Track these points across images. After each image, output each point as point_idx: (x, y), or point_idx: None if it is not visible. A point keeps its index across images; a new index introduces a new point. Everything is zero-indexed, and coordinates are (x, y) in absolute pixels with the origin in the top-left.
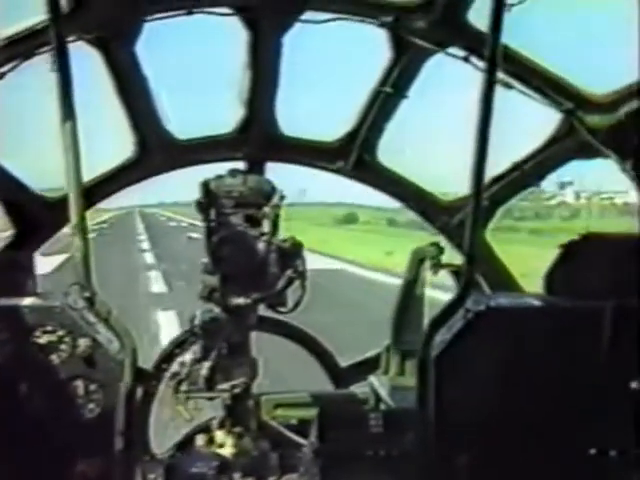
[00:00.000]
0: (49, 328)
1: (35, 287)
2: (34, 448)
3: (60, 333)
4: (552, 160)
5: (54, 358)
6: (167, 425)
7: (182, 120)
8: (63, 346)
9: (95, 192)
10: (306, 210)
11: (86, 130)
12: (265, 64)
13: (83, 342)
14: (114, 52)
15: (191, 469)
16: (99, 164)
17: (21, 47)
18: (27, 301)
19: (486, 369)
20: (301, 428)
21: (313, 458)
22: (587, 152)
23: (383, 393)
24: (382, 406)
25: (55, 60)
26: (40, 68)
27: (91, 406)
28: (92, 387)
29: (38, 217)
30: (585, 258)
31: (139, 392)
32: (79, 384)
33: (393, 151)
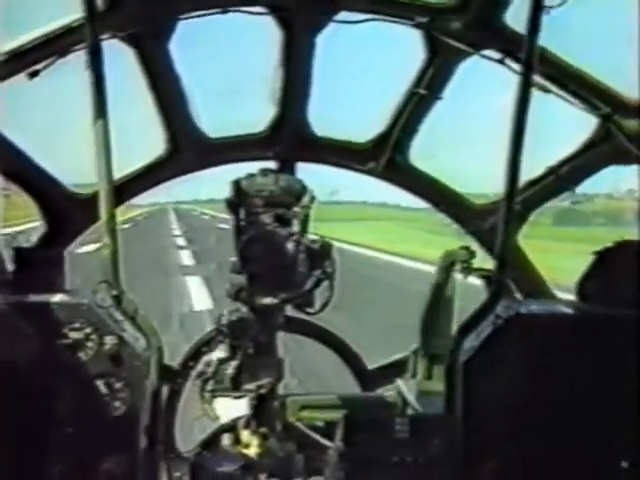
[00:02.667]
0: (77, 325)
1: (64, 284)
2: (60, 445)
3: (87, 330)
4: (588, 165)
5: (81, 355)
6: (193, 424)
7: (214, 119)
8: (90, 343)
9: (126, 189)
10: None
11: (119, 128)
12: (298, 63)
13: (109, 340)
14: (147, 49)
15: (216, 468)
16: (131, 161)
17: (56, 45)
18: (56, 298)
19: (515, 376)
20: (327, 430)
21: (338, 461)
22: (624, 158)
23: (410, 397)
24: (409, 410)
25: (89, 58)
26: (74, 66)
27: (117, 404)
28: (118, 385)
29: (69, 214)
30: (619, 265)
31: (165, 390)
32: (105, 382)
33: (426, 153)
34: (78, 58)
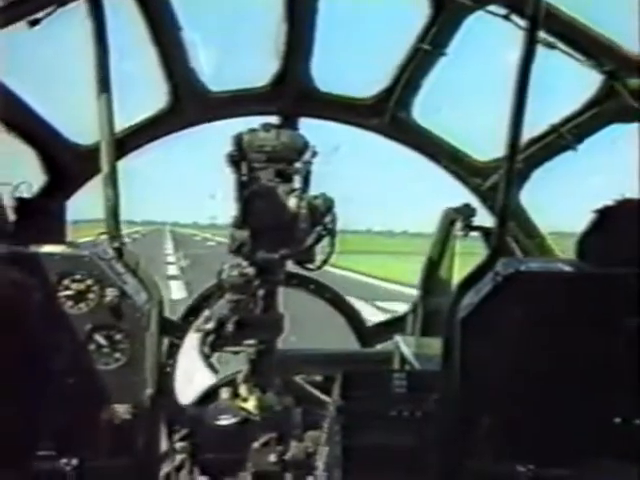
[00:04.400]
0: (78, 277)
1: (65, 235)
2: (60, 394)
3: (88, 282)
4: (591, 123)
5: (82, 306)
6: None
7: (216, 72)
8: (91, 295)
9: (128, 142)
10: None
11: (122, 79)
12: (301, 19)
13: (110, 292)
14: (149, 1)
15: (215, 421)
16: (134, 114)
17: None
18: (57, 249)
19: (513, 333)
20: (325, 385)
21: (335, 416)
22: (628, 116)
23: (408, 353)
24: (407, 366)
25: (89, 7)
26: (75, 16)
27: (117, 355)
28: (118, 336)
29: (71, 165)
30: (619, 224)
31: (165, 342)
32: (106, 333)
33: (429, 110)
34: (79, 7)
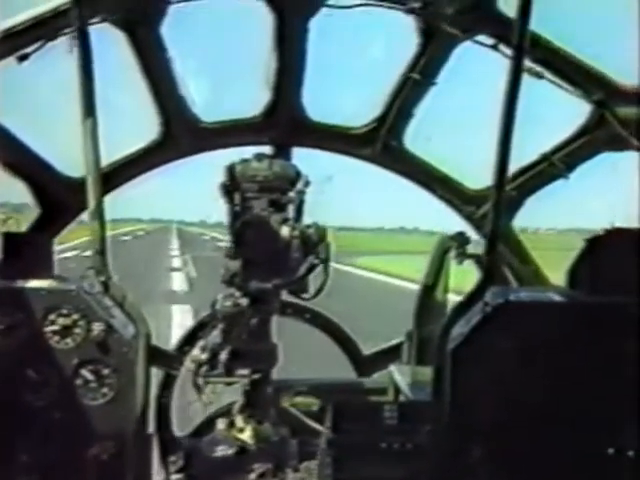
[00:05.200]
0: (64, 311)
1: (52, 270)
2: (48, 431)
3: (75, 317)
4: (582, 151)
5: (68, 341)
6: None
7: (208, 103)
8: (77, 330)
9: (119, 174)
10: None
11: (112, 112)
12: (291, 48)
13: (97, 326)
14: (139, 33)
15: (211, 453)
16: (124, 146)
17: (45, 28)
18: (43, 284)
19: (503, 363)
20: (321, 416)
21: (326, 448)
22: (618, 144)
23: (402, 383)
24: (401, 397)
25: (77, 41)
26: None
27: (104, 390)
28: (106, 371)
29: (62, 198)
30: (609, 253)
31: (161, 375)
32: (93, 368)
33: (421, 139)
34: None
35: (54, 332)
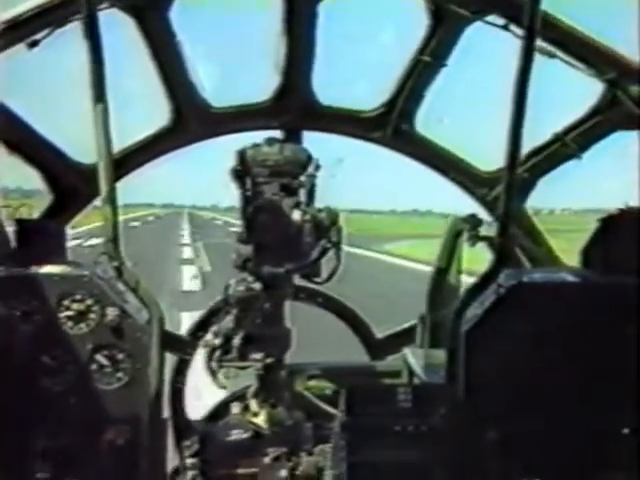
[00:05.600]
0: (78, 297)
1: (65, 256)
2: (63, 416)
3: (89, 302)
4: (595, 131)
5: (83, 327)
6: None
7: (218, 89)
8: (92, 315)
9: (130, 160)
10: None
11: (124, 98)
12: (301, 32)
13: (111, 311)
14: (148, 19)
15: (226, 437)
16: (135, 132)
17: (54, 15)
18: (57, 269)
19: (517, 345)
20: (335, 399)
21: (340, 432)
22: (631, 123)
23: (416, 366)
24: (415, 379)
25: (85, 28)
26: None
27: (119, 375)
28: (120, 356)
29: (75, 185)
30: (623, 233)
31: (174, 359)
32: (107, 353)
33: (433, 121)
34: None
35: (68, 318)
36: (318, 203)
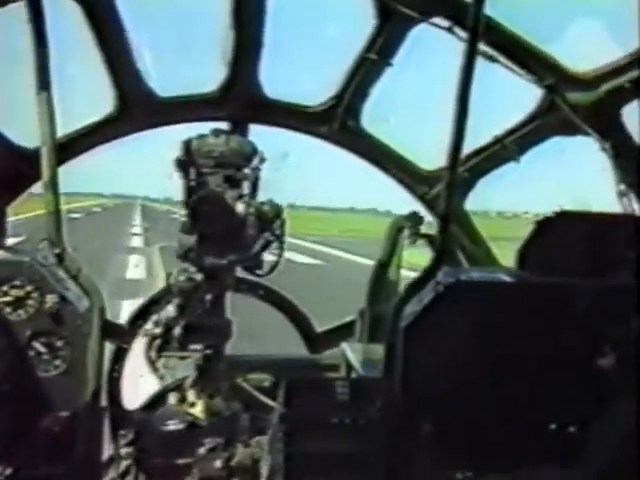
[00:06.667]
0: (17, 283)
1: (4, 241)
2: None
3: (28, 288)
4: (533, 135)
5: (21, 313)
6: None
7: (164, 78)
8: (30, 302)
9: (73, 146)
10: None
11: (68, 84)
12: (249, 24)
13: (50, 298)
14: (93, 4)
15: (162, 427)
16: (80, 118)
17: None
18: None
19: (454, 342)
20: (273, 391)
21: (278, 423)
22: (568, 129)
23: (354, 360)
24: (353, 374)
25: (30, 11)
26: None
27: (57, 362)
28: (59, 343)
29: (15, 167)
30: (558, 235)
31: (112, 348)
32: (46, 340)
33: (378, 119)
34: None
35: (6, 303)
36: (264, 196)
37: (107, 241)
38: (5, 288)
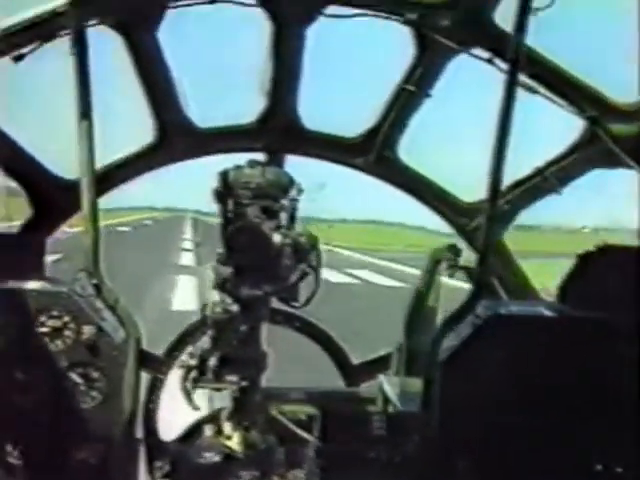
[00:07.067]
0: (55, 313)
1: (43, 271)
2: (36, 434)
3: (65, 319)
4: (574, 167)
5: (58, 344)
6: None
7: (204, 109)
8: (67, 332)
9: (112, 177)
10: None
11: (110, 115)
12: (288, 56)
13: (88, 329)
14: (136, 36)
15: (198, 459)
16: (120, 148)
17: (42, 29)
18: (35, 285)
19: (492, 376)
20: (309, 424)
21: (314, 457)
22: (610, 161)
23: (391, 394)
24: (390, 407)
25: (73, 43)
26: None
27: (94, 394)
28: (95, 374)
29: (55, 199)
30: (600, 270)
31: (149, 379)
32: (82, 371)
33: (416, 150)
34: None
35: (44, 334)
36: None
37: (155, 257)
38: (43, 318)
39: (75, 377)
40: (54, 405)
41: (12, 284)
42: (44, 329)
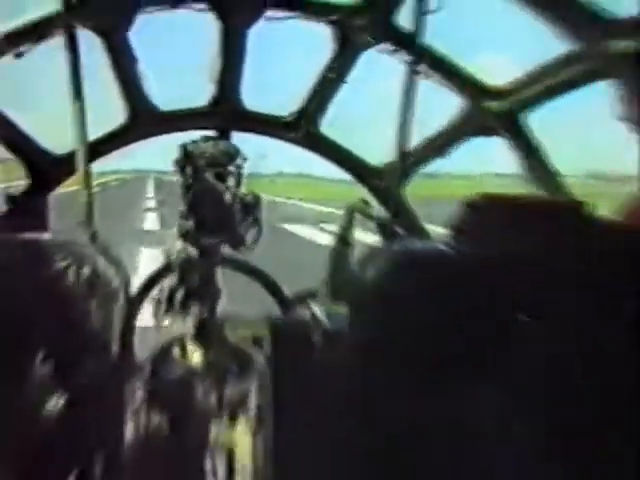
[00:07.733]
0: (59, 258)
1: (47, 224)
2: (45, 346)
3: (68, 262)
4: (457, 136)
5: (63, 283)
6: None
7: (166, 95)
8: (70, 273)
9: (95, 151)
10: None
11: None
12: (233, 52)
13: (86, 270)
14: (113, 39)
15: (166, 375)
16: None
17: (37, 32)
18: (42, 236)
19: (394, 309)
20: (259, 343)
21: (265, 367)
22: (486, 132)
23: (322, 318)
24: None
25: (66, 42)
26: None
27: (94, 319)
28: (94, 306)
29: (49, 170)
30: (482, 215)
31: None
32: (84, 303)
33: (335, 127)
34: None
35: (51, 275)
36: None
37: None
38: (49, 263)
39: (79, 307)
40: (59, 334)
41: (22, 236)
42: (51, 271)
